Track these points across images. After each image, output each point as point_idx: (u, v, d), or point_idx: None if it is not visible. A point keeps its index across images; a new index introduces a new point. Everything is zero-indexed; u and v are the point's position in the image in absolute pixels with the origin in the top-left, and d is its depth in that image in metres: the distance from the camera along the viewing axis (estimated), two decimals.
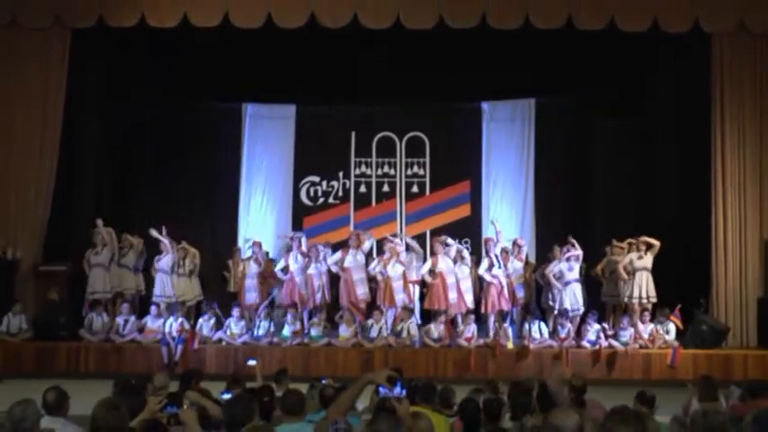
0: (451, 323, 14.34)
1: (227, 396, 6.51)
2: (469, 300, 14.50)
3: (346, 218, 17.64)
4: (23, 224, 14.82)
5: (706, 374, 8.52)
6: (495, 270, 14.36)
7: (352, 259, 14.65)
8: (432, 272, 14.53)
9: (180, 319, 13.90)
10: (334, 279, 15.14)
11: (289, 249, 15.25)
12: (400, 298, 14.48)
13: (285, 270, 14.85)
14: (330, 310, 15.01)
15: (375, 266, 14.70)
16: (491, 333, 14.13)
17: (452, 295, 14.38)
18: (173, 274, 14.77)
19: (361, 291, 14.60)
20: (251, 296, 14.85)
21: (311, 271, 14.68)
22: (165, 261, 14.70)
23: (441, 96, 17.03)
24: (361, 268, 14.65)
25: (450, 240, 14.81)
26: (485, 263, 14.51)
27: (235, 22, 14.48)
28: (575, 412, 4.46)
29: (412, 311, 14.47)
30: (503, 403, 6.64)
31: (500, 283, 14.34)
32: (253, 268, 14.99)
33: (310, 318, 14.68)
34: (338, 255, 14.86)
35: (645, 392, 7.05)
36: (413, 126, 17.91)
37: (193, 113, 17.34)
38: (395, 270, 14.50)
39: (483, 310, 14.49)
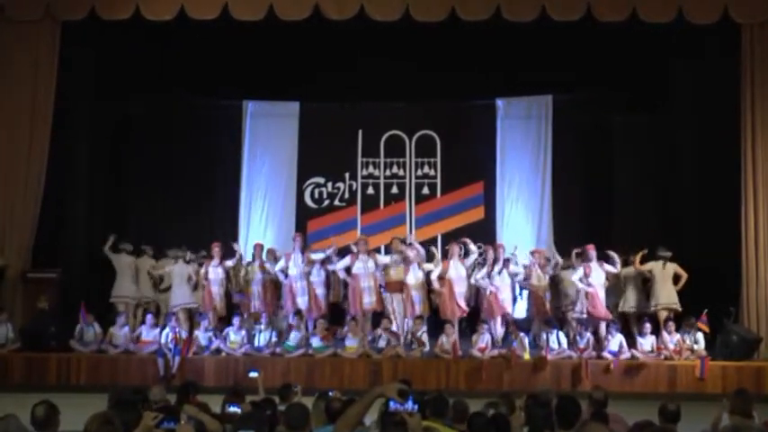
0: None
1: (234, 409, 6.50)
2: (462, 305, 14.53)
3: (353, 221, 17.61)
4: (11, 228, 14.79)
5: (741, 388, 8.44)
6: (497, 279, 14.36)
7: (362, 266, 14.58)
8: (440, 278, 14.53)
9: (176, 329, 13.89)
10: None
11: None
12: (418, 307, 14.46)
13: (285, 273, 14.80)
14: (331, 318, 15.03)
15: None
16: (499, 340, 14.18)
17: (461, 303, 14.41)
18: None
19: (368, 300, 14.53)
20: (255, 304, 14.79)
21: (313, 277, 14.71)
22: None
23: (452, 93, 17.01)
24: (369, 275, 14.60)
25: (472, 247, 14.77)
26: (484, 270, 14.54)
27: (235, 14, 14.47)
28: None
29: (423, 320, 14.41)
30: (507, 417, 6.64)
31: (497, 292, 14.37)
32: (257, 274, 14.93)
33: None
34: (347, 260, 14.80)
35: (667, 406, 6.98)
36: (423, 124, 17.89)
37: (191, 111, 17.37)
38: (416, 277, 14.49)
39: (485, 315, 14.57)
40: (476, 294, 15.08)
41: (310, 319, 14.64)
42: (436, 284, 14.50)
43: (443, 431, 6.05)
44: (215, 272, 14.80)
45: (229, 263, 15.04)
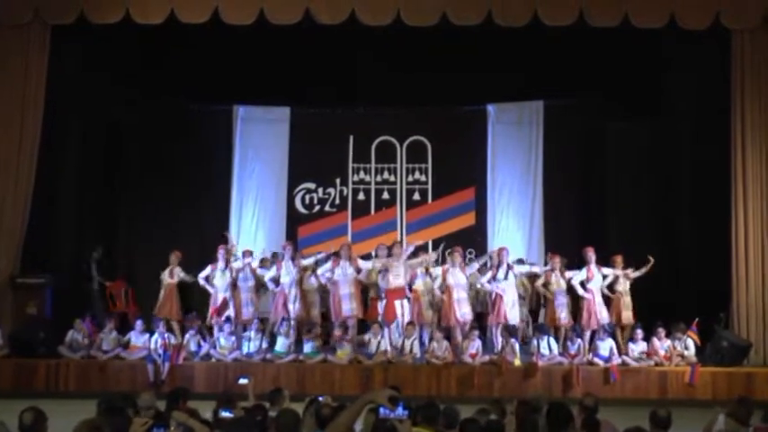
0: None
1: (227, 414, 6.50)
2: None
3: (344, 227, 17.62)
4: (0, 232, 14.74)
5: (744, 396, 8.44)
6: (503, 283, 14.35)
7: (341, 272, 14.49)
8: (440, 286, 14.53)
9: (165, 334, 13.88)
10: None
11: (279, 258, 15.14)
12: (428, 314, 14.44)
13: (276, 281, 14.75)
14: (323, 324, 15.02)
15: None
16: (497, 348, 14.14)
17: (465, 310, 14.33)
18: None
19: (347, 307, 14.45)
20: (246, 311, 14.69)
21: (305, 286, 14.72)
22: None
23: (443, 98, 17.00)
24: (351, 282, 14.51)
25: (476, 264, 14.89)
26: (489, 274, 14.52)
27: (225, 17, 14.45)
28: None
29: (415, 327, 14.38)
30: (501, 423, 6.64)
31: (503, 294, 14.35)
32: (249, 281, 14.88)
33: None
34: (328, 265, 14.73)
35: (657, 412, 6.99)
36: (414, 130, 17.92)
37: (181, 116, 17.33)
38: (424, 283, 14.49)
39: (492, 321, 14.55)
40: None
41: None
42: (437, 292, 14.48)
43: None
44: (222, 277, 14.75)
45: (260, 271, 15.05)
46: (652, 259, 14.32)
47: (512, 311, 14.28)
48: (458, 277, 14.35)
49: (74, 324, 14.17)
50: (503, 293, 14.27)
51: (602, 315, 14.30)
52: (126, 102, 16.96)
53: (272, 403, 8.13)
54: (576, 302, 14.67)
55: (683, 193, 16.33)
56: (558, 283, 14.54)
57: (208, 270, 14.80)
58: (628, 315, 14.47)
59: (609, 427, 7.05)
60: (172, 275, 14.85)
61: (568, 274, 14.53)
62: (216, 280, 14.72)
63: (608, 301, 14.54)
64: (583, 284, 14.42)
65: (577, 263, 14.77)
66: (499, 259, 14.59)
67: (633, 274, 14.51)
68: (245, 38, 15.08)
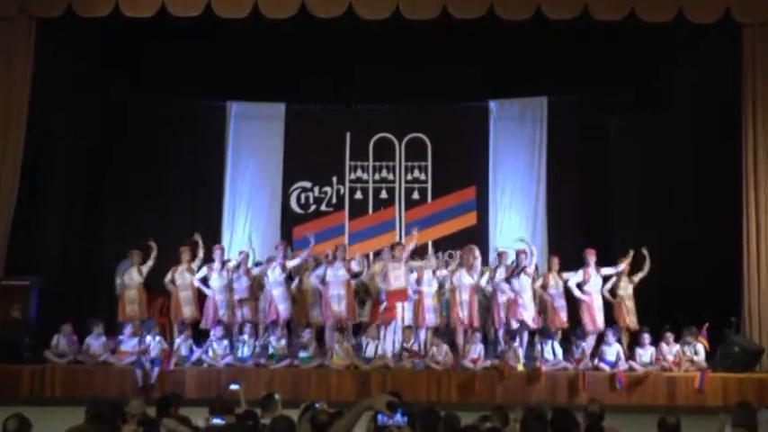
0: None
1: (218, 421, 6.47)
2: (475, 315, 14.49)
3: (341, 227, 17.58)
4: None
5: (744, 400, 8.41)
6: (515, 284, 14.34)
7: (332, 274, 14.53)
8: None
9: (157, 338, 13.84)
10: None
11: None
12: (432, 317, 14.42)
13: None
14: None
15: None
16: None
17: (466, 312, 14.34)
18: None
19: (337, 308, 14.42)
20: (239, 313, 14.70)
21: (304, 286, 14.73)
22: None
23: (444, 94, 17.02)
24: (341, 283, 14.51)
25: (476, 252, 14.77)
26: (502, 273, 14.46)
27: (218, 11, 14.40)
28: None
29: (413, 331, 14.37)
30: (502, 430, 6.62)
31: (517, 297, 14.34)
32: (243, 282, 14.83)
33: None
34: (322, 268, 14.75)
35: (666, 419, 6.95)
36: (413, 127, 17.91)
37: (173, 112, 17.29)
38: (429, 285, 14.47)
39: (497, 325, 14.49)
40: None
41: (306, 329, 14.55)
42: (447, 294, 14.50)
43: None
44: (219, 278, 14.78)
45: (256, 270, 15.01)
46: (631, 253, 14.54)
47: (527, 312, 14.32)
48: (463, 279, 14.35)
49: (60, 329, 14.12)
50: (516, 296, 14.31)
51: (602, 319, 14.30)
52: (116, 98, 16.91)
53: (264, 410, 8.10)
54: (575, 306, 14.66)
55: (690, 190, 16.31)
56: (556, 284, 14.56)
57: (204, 271, 14.82)
58: (632, 320, 14.48)
59: None
60: (140, 274, 14.90)
61: (565, 275, 14.58)
62: (213, 281, 14.75)
63: (609, 306, 14.55)
64: (580, 287, 14.44)
65: (579, 263, 14.75)
66: (517, 262, 14.55)
67: (637, 277, 14.55)
68: (239, 32, 15.04)
